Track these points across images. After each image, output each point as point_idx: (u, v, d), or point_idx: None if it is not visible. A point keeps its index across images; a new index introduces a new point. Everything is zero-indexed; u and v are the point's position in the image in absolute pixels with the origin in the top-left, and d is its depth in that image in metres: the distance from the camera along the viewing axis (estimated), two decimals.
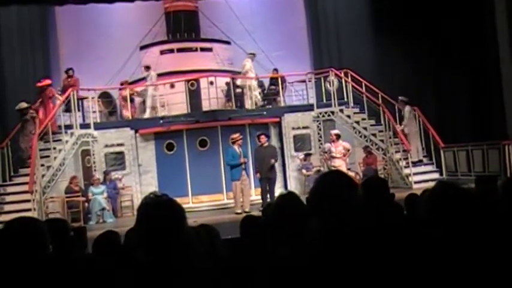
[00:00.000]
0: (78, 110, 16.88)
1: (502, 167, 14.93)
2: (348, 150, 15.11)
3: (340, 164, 14.49)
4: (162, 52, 19.05)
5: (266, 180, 14.40)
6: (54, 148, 15.75)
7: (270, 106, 18.43)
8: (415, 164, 16.53)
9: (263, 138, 14.75)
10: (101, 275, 3.29)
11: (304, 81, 18.91)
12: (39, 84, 16.50)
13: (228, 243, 4.40)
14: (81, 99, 17.50)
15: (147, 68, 17.79)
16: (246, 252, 3.74)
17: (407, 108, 17.07)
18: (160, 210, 2.52)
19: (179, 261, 2.42)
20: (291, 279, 2.44)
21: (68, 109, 16.55)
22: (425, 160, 17.11)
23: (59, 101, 16.51)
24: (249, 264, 3.07)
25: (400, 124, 16.97)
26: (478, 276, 2.76)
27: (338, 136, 15.00)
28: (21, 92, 17.55)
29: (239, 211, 13.91)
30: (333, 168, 14.29)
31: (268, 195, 14.27)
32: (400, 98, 17.22)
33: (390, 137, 16.91)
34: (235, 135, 14.71)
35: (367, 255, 2.48)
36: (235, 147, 14.44)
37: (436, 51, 19.13)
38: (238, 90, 17.79)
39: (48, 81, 16.63)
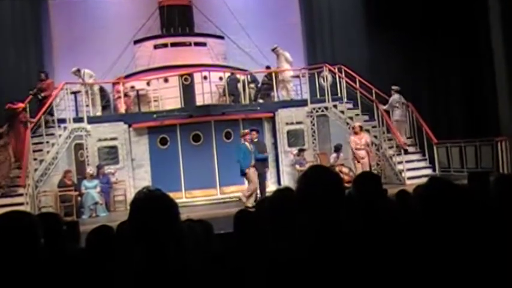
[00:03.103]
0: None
1: (494, 163, 14.99)
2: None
3: (365, 156, 14.98)
4: (156, 46, 19.04)
5: (259, 176, 14.38)
6: (47, 142, 15.74)
7: (262, 101, 18.40)
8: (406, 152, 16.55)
9: (255, 134, 14.71)
10: (94, 269, 3.28)
11: (298, 76, 18.92)
12: (12, 107, 15.28)
13: (222, 238, 4.40)
14: (74, 93, 17.45)
15: (78, 70, 17.54)
16: (240, 247, 3.74)
17: (395, 96, 17.13)
18: (153, 205, 2.52)
19: (172, 256, 2.42)
20: (285, 273, 2.45)
21: (50, 112, 16.17)
22: (411, 149, 17.11)
23: (30, 124, 15.44)
24: (243, 258, 3.08)
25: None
26: (471, 272, 2.77)
27: (361, 128, 15.37)
28: (13, 85, 17.46)
29: (250, 205, 12.87)
30: (359, 160, 14.88)
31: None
32: (392, 87, 17.29)
33: (384, 133, 16.95)
34: (245, 131, 14.77)
35: (356, 250, 2.49)
36: (247, 143, 14.35)
37: (431, 47, 19.16)
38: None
39: (21, 105, 15.49)
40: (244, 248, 3.45)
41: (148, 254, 2.40)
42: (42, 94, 16.37)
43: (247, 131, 14.73)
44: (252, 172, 14.12)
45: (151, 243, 2.41)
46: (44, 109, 15.82)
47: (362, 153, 15.03)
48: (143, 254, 2.40)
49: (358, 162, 15.04)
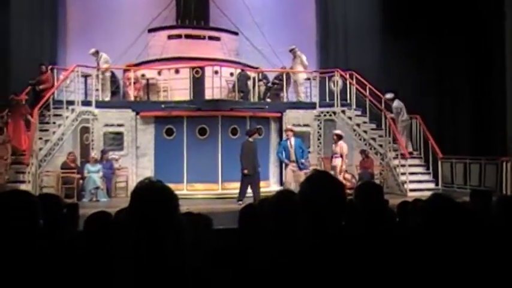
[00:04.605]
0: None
1: (498, 182, 14.99)
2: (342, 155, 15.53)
3: (336, 164, 14.83)
4: (169, 37, 19.04)
5: (252, 176, 14.37)
6: (54, 122, 15.77)
7: (270, 100, 18.40)
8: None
9: (256, 134, 14.82)
10: (91, 254, 3.29)
11: (309, 79, 18.90)
12: (15, 98, 15.19)
13: (221, 233, 4.40)
14: (84, 76, 17.48)
15: (96, 52, 17.66)
16: (244, 243, 3.72)
17: (394, 103, 17.15)
18: (153, 196, 2.53)
19: (171, 247, 2.42)
20: (287, 270, 2.46)
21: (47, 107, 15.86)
22: (416, 161, 17.09)
23: (32, 121, 14.97)
24: (242, 254, 3.07)
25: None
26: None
27: (338, 137, 15.25)
28: (26, 64, 17.52)
29: None
30: (332, 168, 14.56)
31: (252, 191, 14.27)
32: (386, 96, 17.28)
33: (390, 143, 16.91)
34: (288, 127, 15.48)
35: (357, 254, 2.50)
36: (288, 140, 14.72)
37: (443, 62, 19.14)
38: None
39: (24, 97, 15.55)
40: (248, 244, 3.45)
41: (148, 243, 2.40)
42: (40, 87, 16.21)
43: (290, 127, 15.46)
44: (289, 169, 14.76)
45: (151, 232, 2.42)
46: (43, 101, 15.60)
47: (335, 160, 14.96)
48: (143, 242, 2.40)
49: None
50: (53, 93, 15.99)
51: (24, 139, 14.71)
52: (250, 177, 14.30)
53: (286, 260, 2.47)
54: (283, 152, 14.81)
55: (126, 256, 2.41)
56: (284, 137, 15.56)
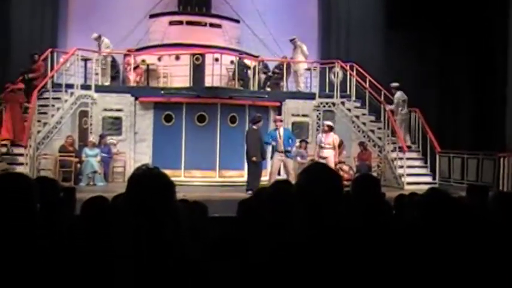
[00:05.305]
0: None
1: (495, 178, 15.01)
2: (341, 145, 15.41)
3: (328, 155, 14.70)
4: (171, 23, 18.96)
5: (257, 164, 14.37)
6: (53, 105, 15.73)
7: (269, 89, 18.38)
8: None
9: (260, 123, 14.77)
10: (88, 238, 3.29)
11: (309, 69, 18.88)
12: (13, 87, 14.99)
13: (217, 221, 4.41)
14: (84, 60, 17.43)
15: (99, 37, 17.60)
16: (239, 232, 3.73)
17: (398, 93, 17.17)
18: (150, 183, 2.53)
19: (170, 237, 2.43)
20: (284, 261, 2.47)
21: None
22: (414, 155, 17.11)
23: (30, 109, 14.79)
24: (240, 245, 3.08)
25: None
26: (461, 281, 2.78)
27: (330, 127, 15.18)
28: (26, 45, 17.46)
29: None
30: (321, 159, 14.44)
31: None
32: (392, 85, 17.29)
33: (388, 135, 16.92)
34: (277, 117, 15.59)
35: (354, 246, 2.50)
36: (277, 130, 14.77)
37: (445, 55, 19.12)
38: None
39: (21, 85, 15.30)
40: (246, 234, 3.45)
41: (148, 232, 2.41)
42: (30, 75, 15.92)
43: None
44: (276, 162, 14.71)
45: (149, 219, 2.43)
46: (40, 87, 15.44)
47: (325, 152, 14.88)
48: (143, 231, 2.41)
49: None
50: (46, 83, 15.79)
51: (21, 129, 14.52)
52: (258, 166, 14.32)
53: (285, 253, 2.47)
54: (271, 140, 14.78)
55: (126, 245, 2.42)
56: (273, 126, 15.50)
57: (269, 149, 15.23)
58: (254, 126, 14.63)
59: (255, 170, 14.32)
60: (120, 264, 2.42)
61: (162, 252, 2.40)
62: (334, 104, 17.69)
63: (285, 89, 18.55)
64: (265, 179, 14.84)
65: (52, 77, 16.08)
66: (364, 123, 17.39)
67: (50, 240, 2.65)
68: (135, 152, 16.73)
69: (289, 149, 14.68)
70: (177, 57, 17.60)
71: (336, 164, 14.67)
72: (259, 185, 13.03)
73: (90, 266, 2.58)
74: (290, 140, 14.78)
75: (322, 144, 14.97)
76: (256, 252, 2.67)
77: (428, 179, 16.39)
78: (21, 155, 14.11)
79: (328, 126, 15.25)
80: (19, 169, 12.77)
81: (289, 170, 14.55)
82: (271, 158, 14.94)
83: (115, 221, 2.58)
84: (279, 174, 14.91)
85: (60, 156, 15.28)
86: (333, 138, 15.03)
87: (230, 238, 3.26)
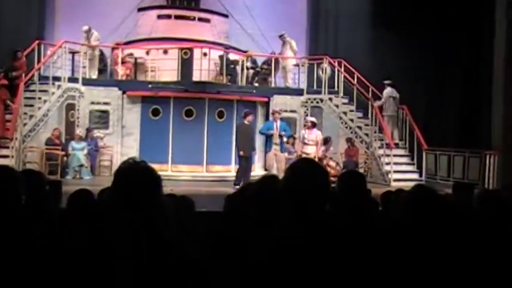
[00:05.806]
0: None
1: (481, 176, 15.11)
2: (328, 141, 15.53)
3: (311, 152, 14.76)
4: (159, 16, 18.90)
5: (246, 159, 14.41)
6: (40, 98, 15.61)
7: (257, 84, 18.36)
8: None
9: (251, 117, 14.78)
10: (74, 231, 3.28)
11: (297, 65, 18.88)
12: None
13: (204, 216, 4.41)
14: (72, 53, 17.31)
15: (89, 30, 17.45)
16: (227, 228, 3.72)
17: (388, 89, 17.22)
18: (137, 176, 2.52)
19: (167, 235, 2.43)
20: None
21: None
22: (401, 151, 17.18)
23: (13, 107, 14.50)
24: (235, 241, 3.08)
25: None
26: (446, 279, 2.80)
27: (313, 124, 15.22)
28: (11, 33, 17.28)
29: None
30: (304, 154, 14.47)
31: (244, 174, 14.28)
32: (385, 81, 17.35)
33: (375, 132, 16.96)
34: (275, 109, 15.63)
35: (341, 244, 2.51)
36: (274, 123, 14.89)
37: (433, 53, 19.15)
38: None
39: (4, 81, 14.94)
40: (234, 230, 3.44)
41: (144, 225, 2.40)
42: (14, 73, 15.50)
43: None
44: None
45: (135, 211, 2.42)
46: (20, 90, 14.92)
47: (308, 148, 14.94)
48: (138, 223, 2.40)
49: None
50: (32, 76, 15.62)
51: (2, 125, 14.29)
52: (247, 161, 14.32)
53: (285, 253, 2.47)
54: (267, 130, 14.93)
55: (126, 245, 2.40)
56: (271, 118, 15.65)
57: (262, 142, 15.35)
58: (245, 121, 14.66)
59: (244, 164, 14.35)
60: (120, 264, 2.40)
61: (162, 252, 2.39)
62: (322, 100, 17.71)
63: (273, 85, 18.54)
64: (254, 173, 14.87)
65: (39, 69, 15.96)
66: (351, 120, 17.43)
67: (36, 232, 2.63)
68: (122, 145, 16.68)
69: (283, 133, 14.82)
70: (165, 51, 17.55)
71: (320, 160, 14.71)
72: (250, 179, 13.07)
73: (89, 265, 2.54)
74: (284, 132, 14.92)
75: (306, 141, 15.04)
76: (256, 252, 2.66)
77: (415, 176, 16.46)
78: (7, 147, 13.98)
79: (311, 122, 15.30)
80: (5, 162, 12.66)
81: (281, 166, 14.57)
82: (267, 151, 15.01)
83: (106, 216, 2.55)
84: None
85: (47, 149, 15.19)
86: (316, 134, 15.08)
87: (223, 235, 3.25)
